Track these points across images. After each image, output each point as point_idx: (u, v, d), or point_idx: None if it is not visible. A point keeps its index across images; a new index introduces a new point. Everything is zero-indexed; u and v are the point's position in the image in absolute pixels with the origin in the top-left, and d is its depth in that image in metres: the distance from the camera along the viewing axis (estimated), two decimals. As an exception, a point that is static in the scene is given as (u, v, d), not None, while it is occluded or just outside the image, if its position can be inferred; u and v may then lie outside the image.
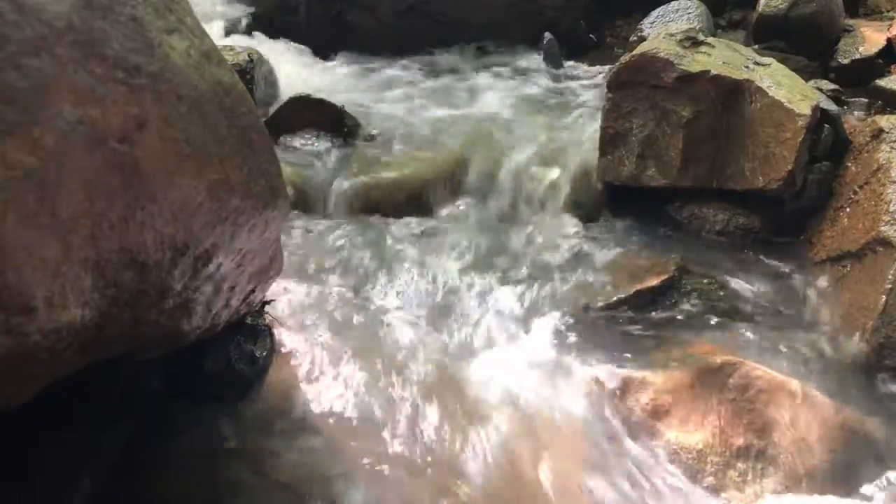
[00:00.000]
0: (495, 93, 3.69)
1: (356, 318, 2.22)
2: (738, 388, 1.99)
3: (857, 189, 2.49)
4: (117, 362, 1.46)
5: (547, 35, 4.06)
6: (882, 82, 3.16)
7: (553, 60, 4.03)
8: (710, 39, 2.90)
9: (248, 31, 4.02)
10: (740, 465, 1.88)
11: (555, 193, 2.89)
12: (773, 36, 3.61)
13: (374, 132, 3.20)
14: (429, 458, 1.77)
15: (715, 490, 1.85)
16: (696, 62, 2.71)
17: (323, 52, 4.05)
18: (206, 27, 1.52)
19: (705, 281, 2.44)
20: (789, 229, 2.69)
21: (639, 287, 2.38)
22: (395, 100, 3.56)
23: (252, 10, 4.22)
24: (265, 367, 1.89)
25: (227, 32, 3.94)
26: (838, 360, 2.17)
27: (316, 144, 3.11)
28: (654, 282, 2.39)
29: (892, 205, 2.29)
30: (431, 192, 2.93)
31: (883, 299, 2.14)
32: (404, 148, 3.10)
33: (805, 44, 3.54)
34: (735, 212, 2.71)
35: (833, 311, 2.31)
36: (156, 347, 1.55)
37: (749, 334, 2.24)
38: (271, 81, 3.41)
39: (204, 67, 1.42)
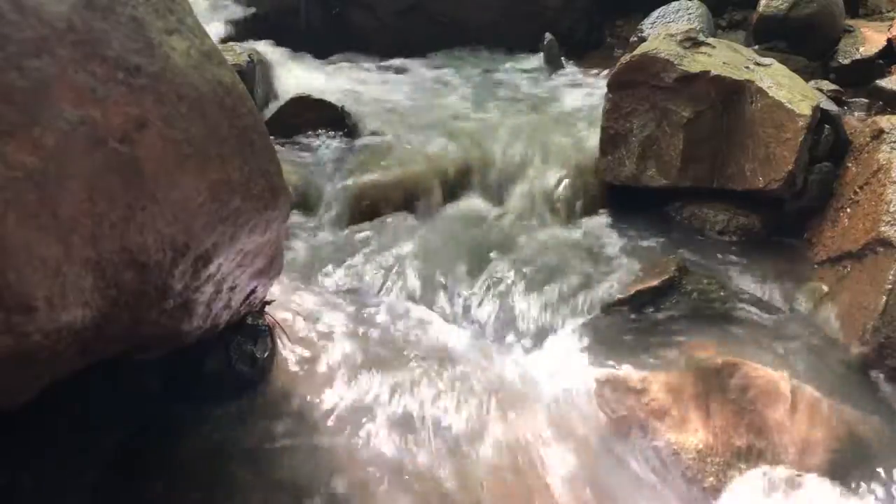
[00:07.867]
0: (495, 93, 3.69)
1: (356, 319, 2.21)
2: (738, 389, 1.99)
3: (858, 189, 2.50)
4: (117, 362, 1.46)
5: (547, 35, 4.05)
6: (882, 83, 3.16)
7: (553, 61, 4.03)
8: (710, 40, 2.90)
9: (249, 32, 4.01)
10: (741, 465, 1.88)
11: (554, 193, 2.89)
12: (773, 36, 3.61)
13: (375, 132, 3.20)
14: (430, 456, 1.77)
15: (715, 490, 1.85)
16: (696, 62, 2.71)
17: (323, 52, 4.05)
18: (207, 28, 1.52)
19: (705, 281, 2.44)
20: (789, 230, 2.69)
21: (639, 287, 2.38)
22: (396, 100, 3.56)
23: (252, 10, 4.22)
24: (265, 368, 1.89)
25: (229, 33, 3.94)
26: (839, 360, 2.17)
27: (316, 145, 3.11)
28: (654, 282, 2.39)
29: (892, 205, 2.29)
30: (431, 191, 2.93)
31: (883, 300, 2.14)
32: (404, 148, 3.10)
33: (805, 44, 3.54)
34: (735, 212, 2.72)
35: (833, 311, 2.31)
36: (156, 347, 1.55)
37: (749, 334, 2.23)
38: (271, 81, 3.41)
39: (204, 67, 1.42)
